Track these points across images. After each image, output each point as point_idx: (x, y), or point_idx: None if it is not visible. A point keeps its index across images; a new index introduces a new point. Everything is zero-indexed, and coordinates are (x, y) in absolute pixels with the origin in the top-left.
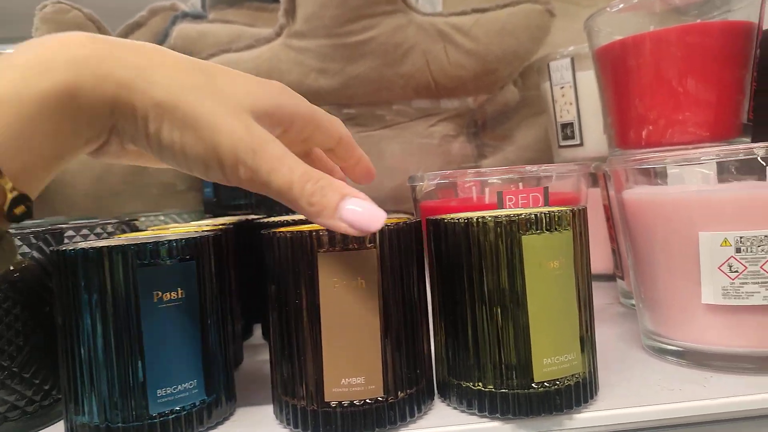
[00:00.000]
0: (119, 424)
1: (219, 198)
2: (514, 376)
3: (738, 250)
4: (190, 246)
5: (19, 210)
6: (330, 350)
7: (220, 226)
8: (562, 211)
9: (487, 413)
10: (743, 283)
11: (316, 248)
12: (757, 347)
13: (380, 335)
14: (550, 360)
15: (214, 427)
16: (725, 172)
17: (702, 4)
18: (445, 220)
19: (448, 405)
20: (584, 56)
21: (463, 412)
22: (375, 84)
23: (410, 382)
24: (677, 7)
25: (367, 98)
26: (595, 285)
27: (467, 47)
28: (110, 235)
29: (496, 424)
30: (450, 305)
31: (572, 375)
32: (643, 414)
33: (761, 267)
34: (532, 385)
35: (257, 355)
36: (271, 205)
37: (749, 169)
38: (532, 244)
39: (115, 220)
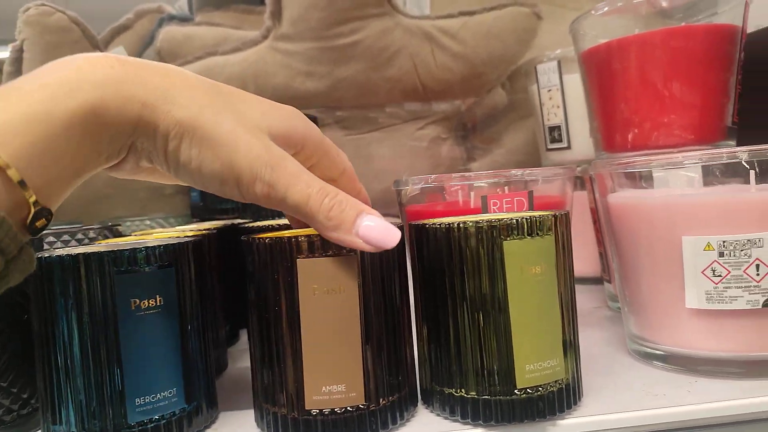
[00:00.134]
0: None
1: (206, 202)
2: (496, 382)
3: (721, 254)
4: (169, 252)
5: (40, 223)
6: (310, 357)
7: (204, 231)
8: (543, 216)
9: (470, 420)
10: (726, 288)
11: (295, 254)
12: (742, 351)
13: (361, 342)
14: (533, 366)
15: None
16: (710, 175)
17: (687, 7)
18: (427, 226)
19: (432, 412)
20: (571, 59)
21: (446, 419)
22: (362, 87)
23: (392, 389)
24: (662, 11)
25: (355, 101)
26: (583, 288)
27: (454, 50)
28: (92, 240)
29: (479, 431)
30: (432, 311)
31: (555, 381)
32: (626, 420)
33: (744, 271)
34: (515, 391)
35: (243, 362)
36: (258, 209)
37: (734, 172)
38: (513, 249)
39: (98, 226)
